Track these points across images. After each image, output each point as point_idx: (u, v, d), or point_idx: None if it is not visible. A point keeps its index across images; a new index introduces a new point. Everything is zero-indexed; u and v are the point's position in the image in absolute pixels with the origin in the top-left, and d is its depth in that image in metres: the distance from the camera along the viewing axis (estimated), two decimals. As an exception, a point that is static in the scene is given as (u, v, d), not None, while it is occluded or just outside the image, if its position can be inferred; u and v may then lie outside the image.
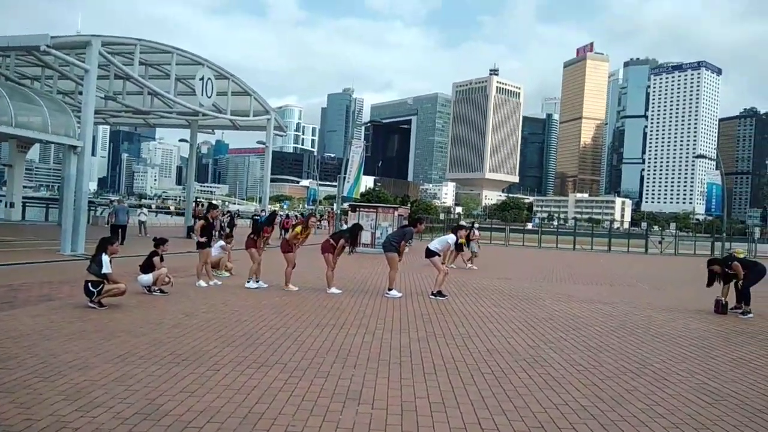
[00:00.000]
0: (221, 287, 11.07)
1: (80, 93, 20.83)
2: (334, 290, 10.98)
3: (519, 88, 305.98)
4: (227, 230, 20.66)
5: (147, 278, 9.68)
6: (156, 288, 9.67)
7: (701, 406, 4.93)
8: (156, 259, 9.85)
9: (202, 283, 11.08)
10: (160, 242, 10.18)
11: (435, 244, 11.39)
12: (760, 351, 7.40)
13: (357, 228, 11.71)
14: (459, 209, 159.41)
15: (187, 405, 4.36)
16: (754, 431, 4.36)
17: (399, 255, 11.15)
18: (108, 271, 8.19)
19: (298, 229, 11.39)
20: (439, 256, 11.24)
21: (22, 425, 3.82)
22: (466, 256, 19.15)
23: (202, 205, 26.63)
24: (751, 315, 10.37)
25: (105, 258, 8.22)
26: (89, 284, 8.18)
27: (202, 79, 22.27)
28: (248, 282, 11.16)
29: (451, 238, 11.41)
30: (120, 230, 19.91)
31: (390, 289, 11.02)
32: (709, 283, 11.09)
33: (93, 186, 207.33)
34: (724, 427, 4.42)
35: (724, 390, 5.48)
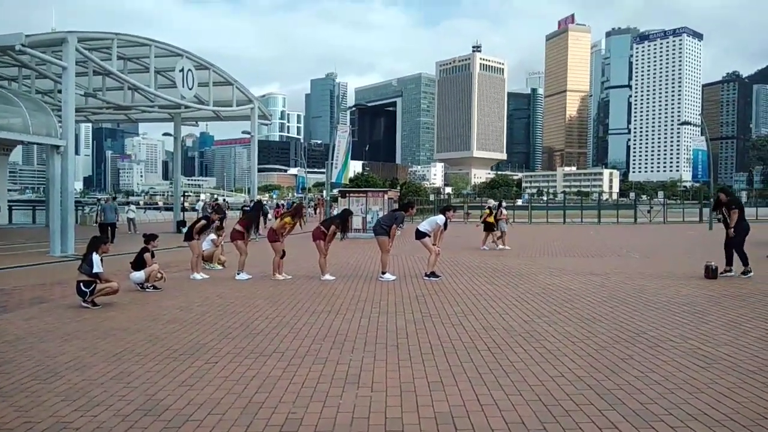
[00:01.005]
0: (215, 280, 11.06)
1: (59, 91, 20.49)
2: (327, 277, 10.99)
3: (503, 64, 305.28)
4: (218, 223, 20.62)
5: (139, 275, 9.64)
6: (149, 284, 9.64)
7: (695, 371, 5.01)
8: (147, 255, 9.81)
9: (197, 276, 11.08)
10: (150, 238, 10.13)
11: (425, 225, 11.41)
12: (751, 313, 7.51)
13: (347, 213, 11.70)
14: (448, 189, 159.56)
15: (187, 398, 4.37)
16: (747, 392, 4.44)
17: (390, 239, 11.17)
18: (99, 271, 8.15)
19: (288, 219, 11.37)
20: (429, 236, 11.26)
21: (22, 428, 3.81)
22: (497, 235, 18.58)
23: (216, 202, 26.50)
24: (752, 273, 10.73)
25: (96, 257, 8.18)
26: (81, 284, 8.14)
27: (182, 70, 22.01)
28: (238, 274, 11.16)
29: (440, 218, 11.42)
30: (109, 228, 19.79)
31: (383, 273, 11.05)
32: (715, 207, 11.47)
33: (79, 185, 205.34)
34: (718, 390, 4.49)
35: (717, 353, 5.56)
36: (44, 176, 19.68)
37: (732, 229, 10.95)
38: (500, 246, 18.20)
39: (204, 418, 3.98)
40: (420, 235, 11.29)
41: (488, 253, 16.77)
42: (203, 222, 11.71)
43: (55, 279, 11.21)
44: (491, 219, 18.58)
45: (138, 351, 5.78)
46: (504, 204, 21.68)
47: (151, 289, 9.62)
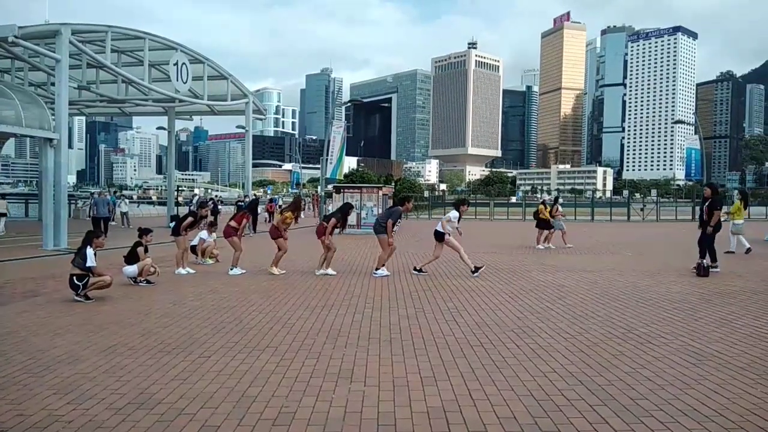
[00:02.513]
0: (208, 275, 11.04)
1: (53, 84, 20.40)
2: (330, 271, 11.01)
3: (498, 61, 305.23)
4: (211, 218, 20.54)
5: (132, 269, 9.61)
6: (142, 279, 9.62)
7: (686, 367, 5.05)
8: (140, 249, 9.78)
9: (182, 271, 11.07)
10: (144, 232, 10.09)
11: (444, 226, 11.24)
12: (741, 311, 7.57)
13: (347, 207, 11.69)
14: (443, 186, 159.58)
15: (179, 392, 4.37)
16: (736, 388, 4.48)
17: (388, 235, 11.15)
18: (92, 265, 8.14)
19: (288, 213, 11.35)
20: (450, 235, 11.12)
21: (14, 421, 3.81)
22: (556, 234, 17.23)
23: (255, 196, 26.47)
24: (718, 270, 11.09)
25: (90, 251, 8.16)
26: (74, 278, 8.13)
27: (176, 64, 21.90)
28: (231, 269, 11.14)
29: (453, 214, 11.29)
30: (102, 222, 19.73)
31: (377, 269, 11.05)
32: (703, 202, 11.85)
33: (72, 179, 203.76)
34: (708, 386, 4.53)
35: (707, 350, 5.61)
36: (37, 169, 19.57)
37: (711, 228, 11.31)
38: (549, 245, 16.86)
39: (196, 412, 3.98)
40: (440, 236, 11.13)
41: (482, 250, 16.68)
42: (190, 219, 11.67)
43: (48, 273, 11.16)
44: (546, 215, 17.09)
45: (131, 345, 5.77)
46: (561, 201, 19.92)
47: (144, 283, 9.60)
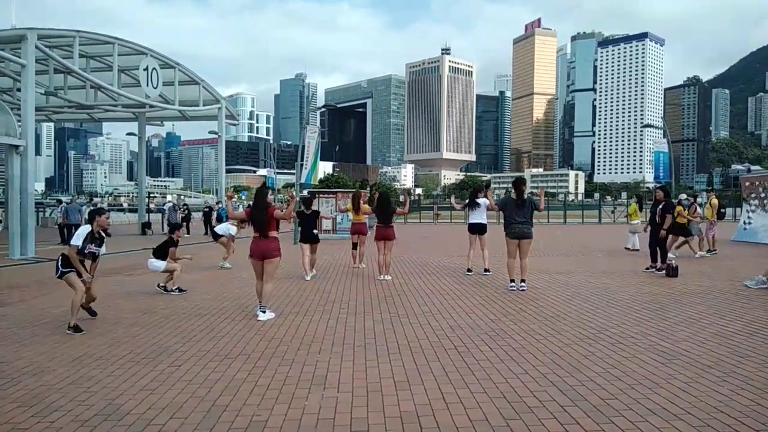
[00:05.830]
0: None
1: (18, 90, 19.94)
2: (386, 277, 11.01)
3: (471, 67, 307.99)
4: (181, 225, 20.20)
5: (159, 264, 9.32)
6: (174, 287, 9.36)
7: (655, 366, 5.13)
8: (172, 249, 9.45)
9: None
10: (175, 227, 9.88)
11: (482, 217, 11.74)
12: (708, 310, 7.73)
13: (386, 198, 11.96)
14: (419, 190, 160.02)
15: (148, 403, 4.29)
16: (704, 386, 4.57)
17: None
18: (77, 244, 6.83)
19: (366, 207, 12.11)
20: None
21: (-26, 437, 3.69)
22: (695, 241, 14.72)
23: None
24: (664, 271, 11.26)
25: (83, 229, 7.00)
26: (60, 258, 6.95)
27: (146, 69, 21.64)
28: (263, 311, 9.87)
29: (484, 201, 11.58)
30: (73, 229, 19.34)
31: (522, 280, 9.78)
32: (654, 205, 11.97)
33: (40, 186, 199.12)
34: (677, 385, 4.61)
35: (676, 349, 5.71)
36: (3, 177, 19.03)
37: (664, 231, 11.61)
38: (699, 253, 14.46)
39: (165, 422, 3.91)
40: (482, 228, 11.61)
41: (457, 253, 16.63)
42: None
43: (13, 282, 10.88)
44: (683, 219, 14.13)
45: (98, 355, 5.65)
46: (699, 201, 17.02)
47: (177, 292, 9.34)
